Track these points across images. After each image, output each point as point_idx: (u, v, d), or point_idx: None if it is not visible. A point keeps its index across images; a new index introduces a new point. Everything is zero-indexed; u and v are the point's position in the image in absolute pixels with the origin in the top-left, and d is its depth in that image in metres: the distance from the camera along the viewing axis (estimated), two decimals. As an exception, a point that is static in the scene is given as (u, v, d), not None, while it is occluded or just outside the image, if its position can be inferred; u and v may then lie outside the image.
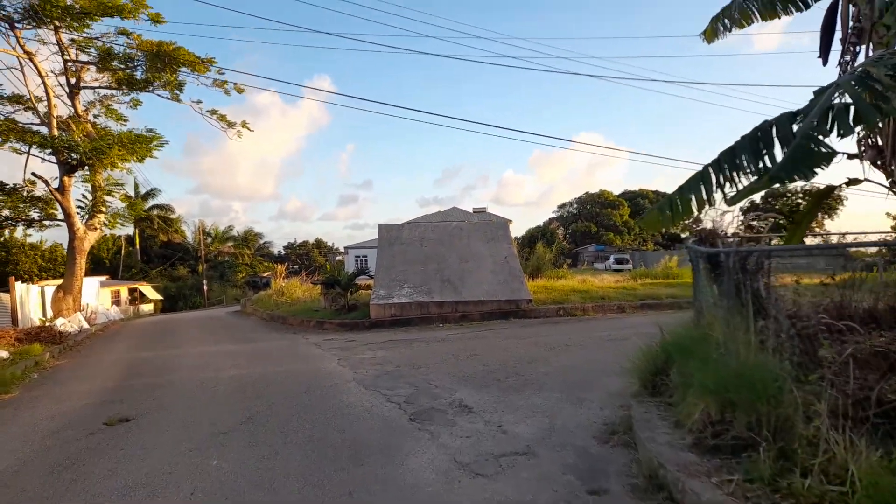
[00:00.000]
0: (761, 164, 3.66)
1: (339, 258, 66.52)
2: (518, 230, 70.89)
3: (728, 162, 3.80)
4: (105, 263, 53.35)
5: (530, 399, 6.33)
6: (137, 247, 56.48)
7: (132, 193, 54.18)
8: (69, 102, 20.60)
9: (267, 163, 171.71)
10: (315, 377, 8.10)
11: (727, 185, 3.79)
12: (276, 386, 7.64)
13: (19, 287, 16.42)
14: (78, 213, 20.26)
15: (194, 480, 4.36)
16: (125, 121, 22.01)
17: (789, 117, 3.68)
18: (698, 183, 3.98)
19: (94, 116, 21.63)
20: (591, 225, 78.52)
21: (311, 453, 4.83)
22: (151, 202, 57.02)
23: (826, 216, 51.95)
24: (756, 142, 3.71)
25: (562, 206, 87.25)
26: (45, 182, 18.88)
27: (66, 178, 19.11)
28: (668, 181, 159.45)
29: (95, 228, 20.57)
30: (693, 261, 6.04)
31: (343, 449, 4.90)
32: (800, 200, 67.47)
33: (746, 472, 3.48)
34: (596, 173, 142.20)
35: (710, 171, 3.92)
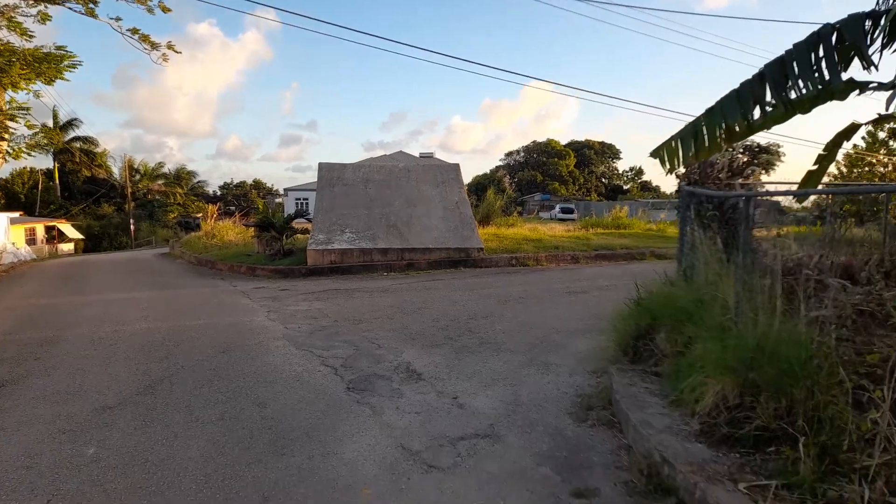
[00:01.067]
0: (818, 76, 2.74)
1: (278, 200, 63.99)
2: (465, 178, 69.71)
3: (775, 75, 2.87)
4: (20, 198, 49.16)
5: (489, 362, 5.47)
6: (57, 181, 52.15)
7: (51, 123, 49.88)
8: (-37, 12, 17.77)
9: (204, 97, 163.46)
10: (238, 333, 7.00)
11: (775, 103, 2.87)
12: (190, 343, 6.50)
13: None
14: (-27, 140, 17.83)
15: (58, 479, 3.28)
16: (31, 36, 19.20)
17: (861, 18, 2.77)
18: (733, 103, 3.04)
19: (-6, 30, 18.77)
20: (537, 174, 78.34)
21: (219, 437, 3.81)
22: (73, 133, 52.51)
23: (763, 171, 53.05)
24: (815, 49, 2.78)
25: (509, 155, 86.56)
26: (-68, 102, 16.34)
27: (-43, 99, 16.60)
28: (614, 133, 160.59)
29: (-4, 158, 18.19)
30: (683, 207, 5.23)
31: (262, 431, 3.90)
32: (739, 155, 69.22)
33: (780, 474, 2.71)
34: (544, 123, 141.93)
35: (749, 88, 2.99)
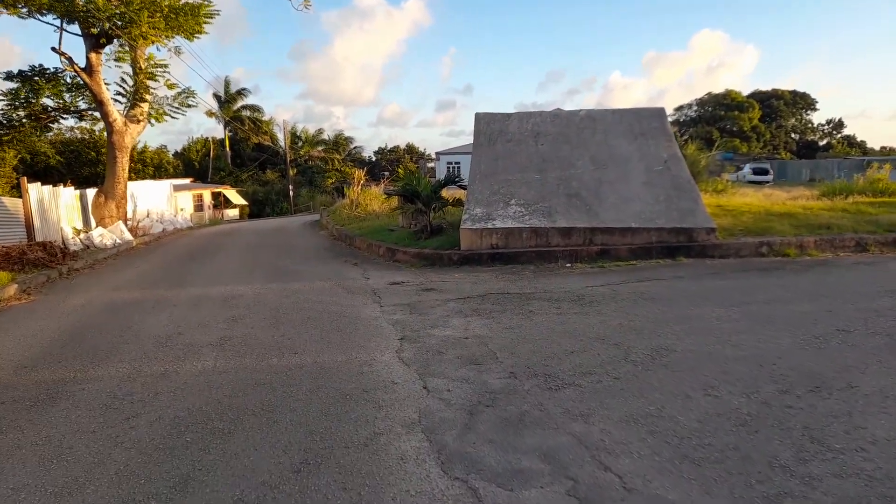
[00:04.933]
0: None
1: (430, 165, 62.47)
2: (629, 135, 62.64)
3: None
4: (195, 166, 52.29)
5: None
6: (228, 149, 54.89)
7: (222, 93, 52.40)
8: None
9: (368, 68, 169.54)
10: (343, 401, 3.83)
11: None
12: (251, 432, 3.44)
13: (35, 190, 13.26)
14: (116, 102, 16.94)
15: None
16: (169, -12, 17.95)
17: None
18: None
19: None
20: (713, 130, 68.88)
21: None
22: (241, 102, 55.01)
23: None
24: None
25: (679, 109, 77.43)
26: (68, 58, 15.34)
27: (92, 55, 15.50)
28: (807, 79, 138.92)
29: (138, 121, 17.16)
30: None
31: None
32: None
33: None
34: (715, 74, 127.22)
35: None
